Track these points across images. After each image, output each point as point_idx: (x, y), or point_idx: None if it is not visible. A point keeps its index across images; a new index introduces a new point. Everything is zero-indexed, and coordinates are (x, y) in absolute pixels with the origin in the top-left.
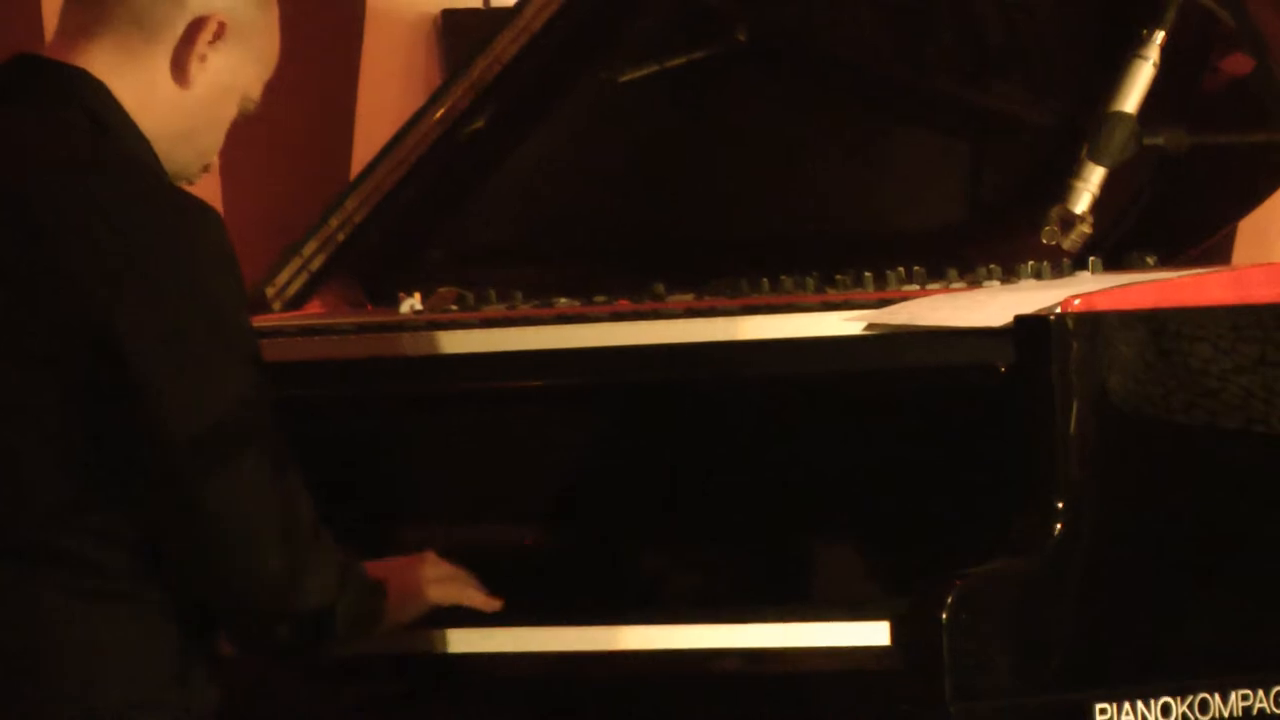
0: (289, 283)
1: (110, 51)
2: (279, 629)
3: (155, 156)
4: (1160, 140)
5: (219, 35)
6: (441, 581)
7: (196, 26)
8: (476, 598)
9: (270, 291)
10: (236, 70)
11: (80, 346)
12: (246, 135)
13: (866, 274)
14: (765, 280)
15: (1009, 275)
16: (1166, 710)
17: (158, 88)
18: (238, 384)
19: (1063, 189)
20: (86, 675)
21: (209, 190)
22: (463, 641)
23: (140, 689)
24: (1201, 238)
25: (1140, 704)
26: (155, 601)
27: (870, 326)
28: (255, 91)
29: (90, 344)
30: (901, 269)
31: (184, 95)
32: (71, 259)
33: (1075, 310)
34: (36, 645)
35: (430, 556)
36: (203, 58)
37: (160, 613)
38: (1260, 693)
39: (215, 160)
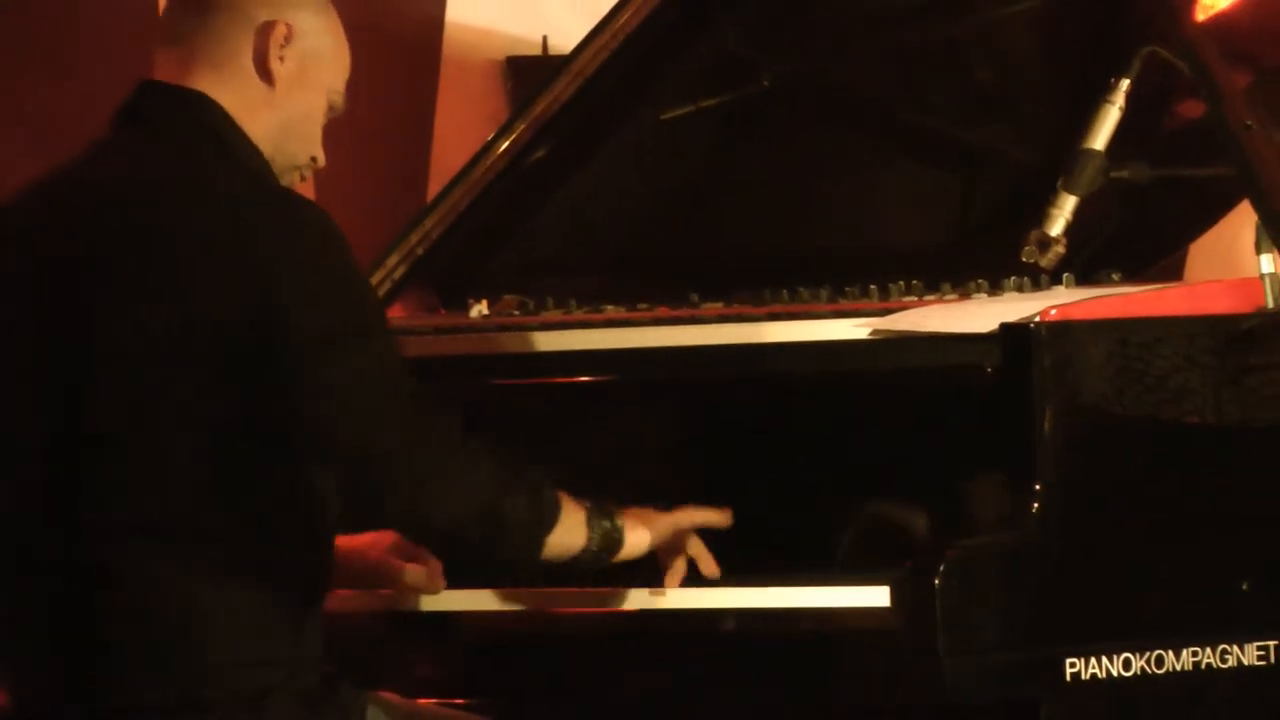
0: (375, 289)
1: (208, 74)
2: (468, 532)
3: (266, 161)
4: (1125, 173)
5: (289, 38)
6: (682, 526)
7: (266, 31)
8: (704, 555)
9: None
10: (314, 66)
11: (238, 343)
12: (340, 161)
13: (872, 286)
14: (785, 291)
15: (995, 289)
16: (1127, 665)
17: (250, 91)
18: (379, 340)
19: (1041, 215)
20: (225, 636)
21: None
22: (520, 600)
23: (264, 646)
24: (1160, 257)
25: (1105, 659)
26: (274, 570)
27: (875, 332)
28: (339, 85)
29: (247, 338)
30: (902, 282)
31: (274, 93)
32: (223, 263)
33: (1052, 319)
34: (185, 611)
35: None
36: (281, 58)
37: (277, 580)
38: (1208, 650)
39: (322, 157)
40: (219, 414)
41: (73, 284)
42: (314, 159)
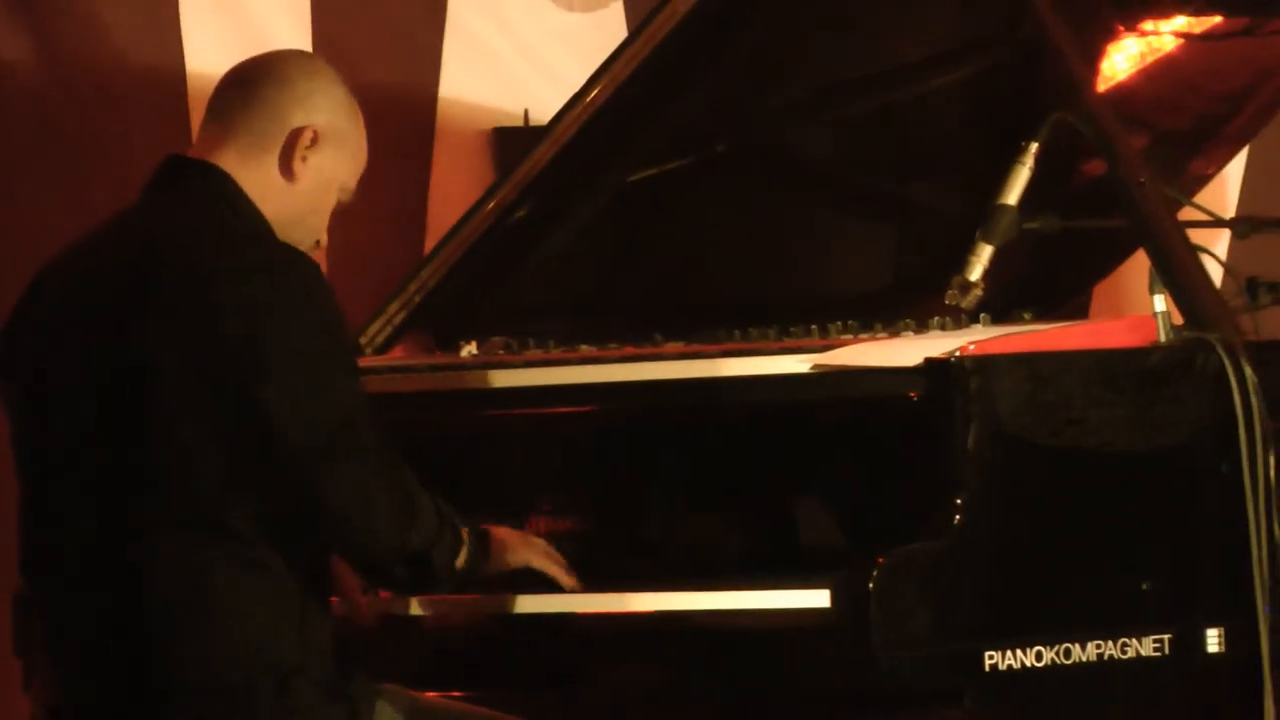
0: (377, 334)
1: (236, 156)
2: (396, 570)
3: (274, 233)
4: (1036, 225)
5: (315, 141)
6: (536, 549)
7: (296, 135)
8: (560, 573)
9: (363, 341)
10: (332, 167)
11: (228, 369)
12: (350, 222)
13: (814, 327)
14: (737, 331)
15: (921, 327)
16: (1039, 656)
17: (272, 182)
18: (345, 390)
19: (962, 262)
20: (240, 622)
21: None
22: (513, 604)
23: (274, 632)
24: (1067, 298)
25: (1019, 651)
26: (283, 564)
27: (817, 366)
28: (351, 183)
29: (235, 367)
30: (840, 323)
31: (292, 188)
32: (222, 305)
33: (971, 354)
34: (205, 599)
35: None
36: (304, 159)
37: (287, 573)
38: (1109, 643)
39: (325, 239)
40: (224, 430)
41: (115, 318)
42: (317, 242)
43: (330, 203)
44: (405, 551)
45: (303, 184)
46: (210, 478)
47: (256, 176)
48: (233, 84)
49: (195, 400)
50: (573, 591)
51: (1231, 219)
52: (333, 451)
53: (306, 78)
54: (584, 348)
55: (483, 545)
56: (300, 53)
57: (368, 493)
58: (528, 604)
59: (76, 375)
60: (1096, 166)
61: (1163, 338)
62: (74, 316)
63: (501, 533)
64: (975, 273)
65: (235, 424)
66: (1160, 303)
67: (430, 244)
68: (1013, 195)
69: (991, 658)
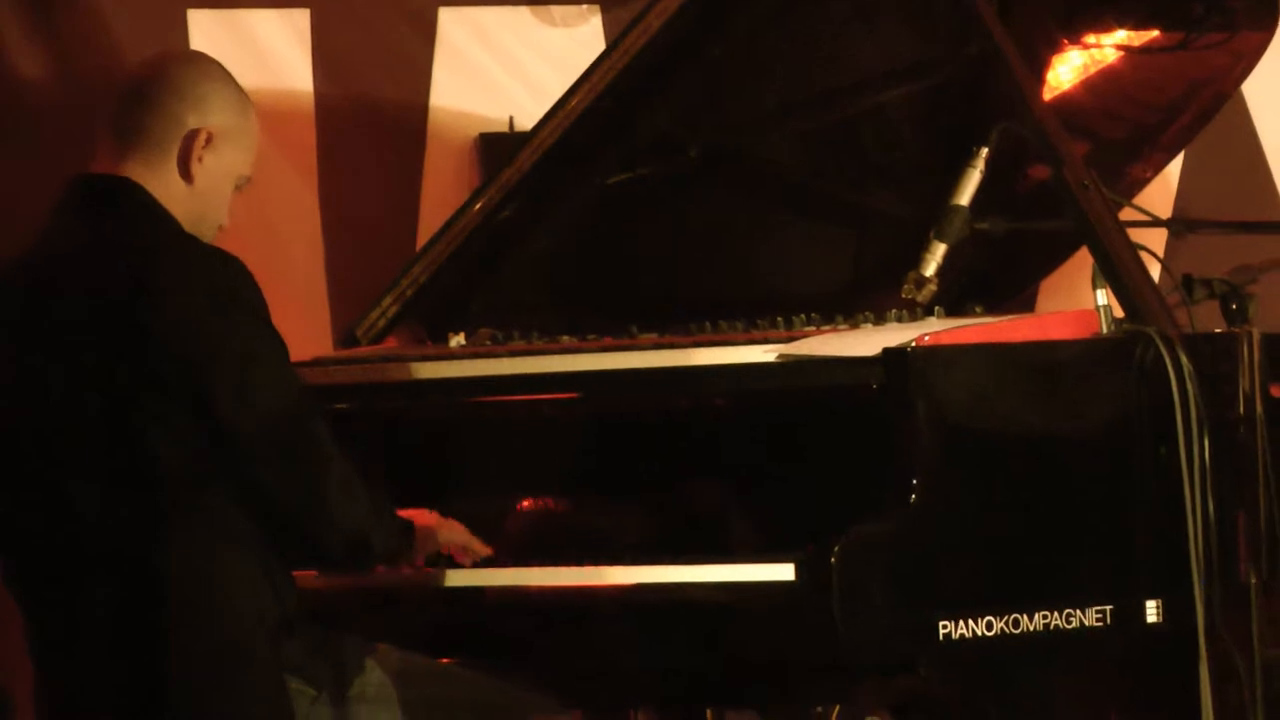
0: (373, 325)
1: (143, 166)
2: (335, 547)
3: (190, 236)
4: (986, 225)
5: (209, 142)
6: (450, 528)
7: (190, 138)
8: (475, 543)
9: (360, 332)
10: (228, 163)
11: (175, 373)
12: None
13: (779, 319)
14: (708, 324)
15: (879, 320)
16: (989, 626)
17: (173, 186)
18: (283, 379)
19: (917, 259)
20: (222, 592)
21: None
22: (483, 577)
23: (249, 601)
24: (1015, 293)
25: (970, 621)
26: (252, 539)
27: (782, 356)
28: (247, 171)
29: (181, 370)
30: (803, 315)
31: (191, 189)
32: (161, 315)
33: (925, 344)
34: (190, 572)
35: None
36: (199, 159)
37: (257, 547)
38: (1055, 613)
39: (227, 220)
40: (183, 428)
41: (63, 341)
42: (220, 226)
43: (228, 193)
44: (346, 529)
45: (199, 183)
46: (184, 468)
47: (162, 183)
48: (129, 95)
49: (153, 403)
50: (485, 556)
51: (1169, 219)
52: (278, 438)
53: (197, 79)
54: (565, 338)
55: (408, 529)
56: (189, 54)
57: (312, 475)
58: (507, 577)
59: (46, 397)
60: (1042, 171)
61: (1105, 330)
62: (23, 342)
63: (421, 518)
64: (930, 269)
65: (190, 421)
66: (1102, 297)
67: (421, 241)
68: (965, 196)
69: (945, 627)
